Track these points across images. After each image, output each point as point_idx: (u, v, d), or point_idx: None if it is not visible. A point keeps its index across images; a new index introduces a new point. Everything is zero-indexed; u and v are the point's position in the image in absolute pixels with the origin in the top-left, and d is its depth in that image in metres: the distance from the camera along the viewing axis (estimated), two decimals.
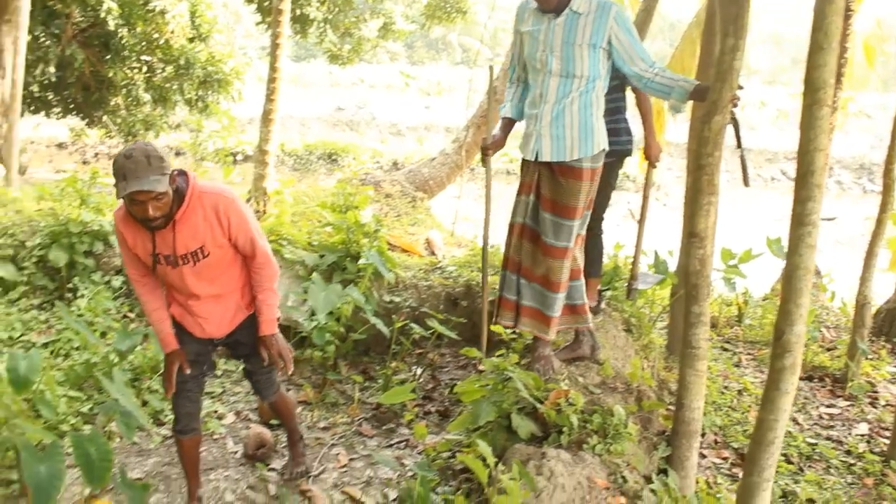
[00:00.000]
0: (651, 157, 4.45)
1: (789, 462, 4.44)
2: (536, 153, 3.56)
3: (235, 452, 4.25)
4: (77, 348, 5.00)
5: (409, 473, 3.86)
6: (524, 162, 3.69)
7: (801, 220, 2.11)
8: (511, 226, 3.77)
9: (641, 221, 4.61)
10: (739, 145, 4.13)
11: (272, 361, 3.37)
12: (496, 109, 3.96)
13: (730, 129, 3.27)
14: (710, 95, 3.09)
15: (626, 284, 4.87)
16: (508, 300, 3.81)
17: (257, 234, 3.23)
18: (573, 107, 3.48)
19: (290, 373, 3.49)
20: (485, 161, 3.82)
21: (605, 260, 4.96)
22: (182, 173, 3.08)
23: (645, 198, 4.59)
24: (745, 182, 4.26)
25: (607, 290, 5.03)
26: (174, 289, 3.30)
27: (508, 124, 3.79)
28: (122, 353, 4.07)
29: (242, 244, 3.19)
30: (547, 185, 3.60)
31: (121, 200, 2.96)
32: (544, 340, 3.78)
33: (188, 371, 3.36)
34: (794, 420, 5.06)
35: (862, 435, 4.87)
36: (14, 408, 3.58)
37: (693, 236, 3.19)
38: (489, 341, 4.13)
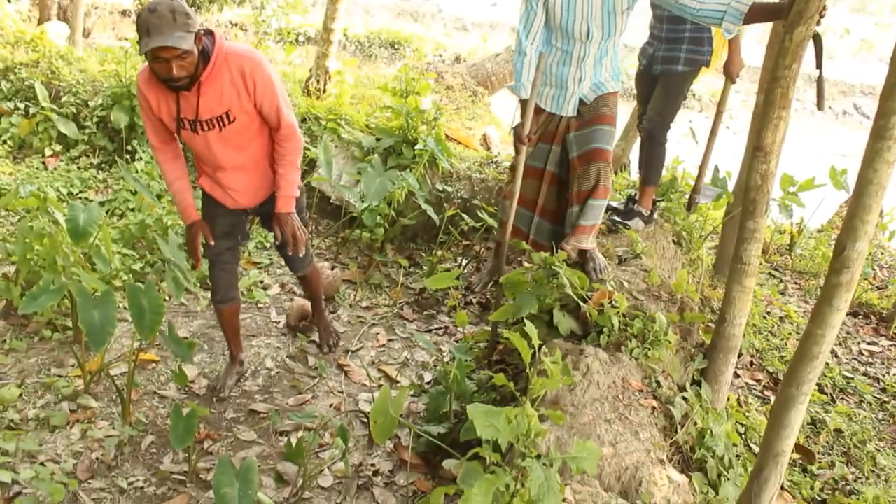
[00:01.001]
0: (732, 73, 4.27)
1: (822, 392, 4.43)
2: (577, 109, 3.74)
3: (278, 322, 4.36)
4: (132, 209, 5.12)
5: (446, 359, 3.94)
6: (545, 113, 3.79)
7: (881, 133, 2.01)
8: (534, 169, 3.91)
9: (712, 135, 4.47)
10: (819, 66, 3.95)
11: (285, 240, 3.32)
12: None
13: (809, 49, 3.11)
14: (796, 5, 2.94)
15: (688, 196, 4.77)
16: (520, 231, 4.02)
17: (284, 104, 3.09)
18: (609, 61, 3.67)
19: (301, 255, 3.41)
20: (518, 151, 3.57)
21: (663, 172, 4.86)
22: (209, 33, 2.93)
23: (719, 112, 4.43)
24: (819, 105, 4.09)
25: (661, 201, 4.96)
26: (201, 159, 3.24)
27: (535, 106, 3.77)
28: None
29: (267, 111, 3.07)
30: (585, 109, 3.73)
31: (145, 62, 2.87)
32: (588, 249, 3.81)
33: (212, 242, 3.34)
34: (833, 353, 5.01)
35: None
36: (72, 258, 3.71)
37: (758, 150, 3.10)
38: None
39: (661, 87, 4.29)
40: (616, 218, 4.46)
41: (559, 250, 3.59)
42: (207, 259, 3.50)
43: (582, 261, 3.79)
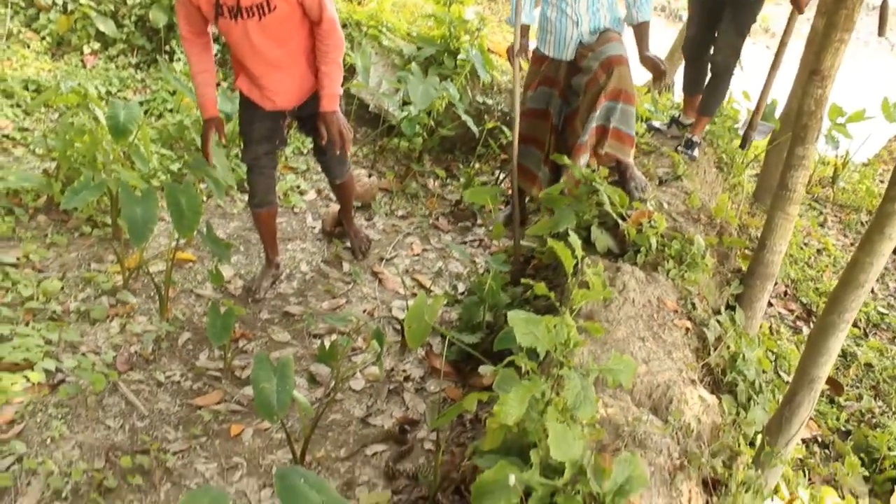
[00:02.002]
0: (801, 3, 4.02)
1: (855, 326, 4.39)
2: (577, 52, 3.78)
3: (314, 228, 4.38)
4: (170, 110, 5.11)
5: (480, 270, 3.94)
6: (545, 58, 3.87)
7: None
8: (538, 111, 3.92)
9: (773, 69, 4.24)
10: None
11: (331, 140, 3.30)
12: None
13: None
14: None
15: (743, 133, 4.60)
16: (530, 172, 4.02)
17: None
18: (606, 10, 3.73)
19: (348, 153, 3.42)
20: (512, 61, 3.73)
21: None
22: None
23: (783, 44, 4.19)
24: (881, 31, 3.90)
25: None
26: (239, 54, 3.18)
27: (526, 29, 3.99)
28: (227, 115, 4.11)
29: (309, 4, 3.02)
30: (586, 48, 3.75)
31: None
32: (628, 163, 3.73)
33: (224, 141, 3.33)
34: (870, 289, 4.95)
35: None
36: (112, 155, 3.72)
37: (815, 74, 2.99)
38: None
39: (732, 19, 4.03)
40: (682, 149, 4.34)
41: (594, 154, 3.59)
42: (245, 163, 3.50)
43: (622, 179, 3.74)
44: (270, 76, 3.21)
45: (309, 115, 3.40)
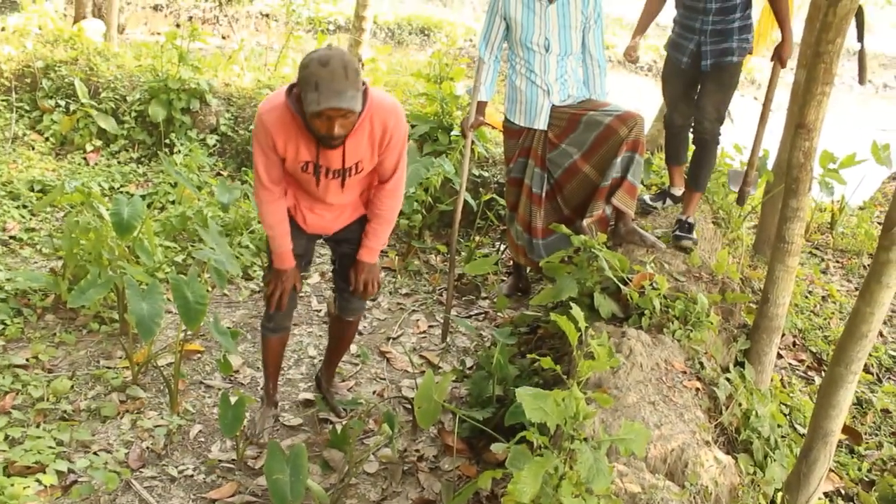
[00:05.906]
0: (784, 57, 4.05)
1: (868, 372, 4.36)
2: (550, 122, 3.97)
3: (319, 311, 4.41)
4: (172, 202, 5.20)
5: (487, 344, 3.95)
6: (519, 129, 4.04)
7: None
8: (516, 179, 4.15)
9: (762, 123, 4.25)
10: (860, 39, 3.86)
11: (355, 288, 3.11)
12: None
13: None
14: None
15: (739, 190, 4.54)
16: (513, 241, 4.31)
17: (403, 159, 2.91)
18: (575, 83, 3.95)
19: (364, 300, 3.21)
20: (465, 135, 4.10)
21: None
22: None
23: (768, 100, 4.21)
24: (861, 79, 3.99)
25: None
26: (303, 192, 3.01)
27: (483, 106, 4.13)
28: (224, 205, 4.17)
29: (387, 165, 2.89)
30: (564, 112, 3.94)
31: (276, 98, 2.68)
32: (630, 216, 3.90)
33: (300, 290, 3.15)
34: (879, 333, 4.93)
35: None
36: (117, 251, 3.78)
37: (801, 127, 3.05)
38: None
39: (715, 83, 4.00)
40: (681, 234, 4.06)
41: (609, 204, 3.79)
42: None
43: (620, 237, 3.85)
44: (324, 212, 3.06)
45: (346, 239, 3.19)
